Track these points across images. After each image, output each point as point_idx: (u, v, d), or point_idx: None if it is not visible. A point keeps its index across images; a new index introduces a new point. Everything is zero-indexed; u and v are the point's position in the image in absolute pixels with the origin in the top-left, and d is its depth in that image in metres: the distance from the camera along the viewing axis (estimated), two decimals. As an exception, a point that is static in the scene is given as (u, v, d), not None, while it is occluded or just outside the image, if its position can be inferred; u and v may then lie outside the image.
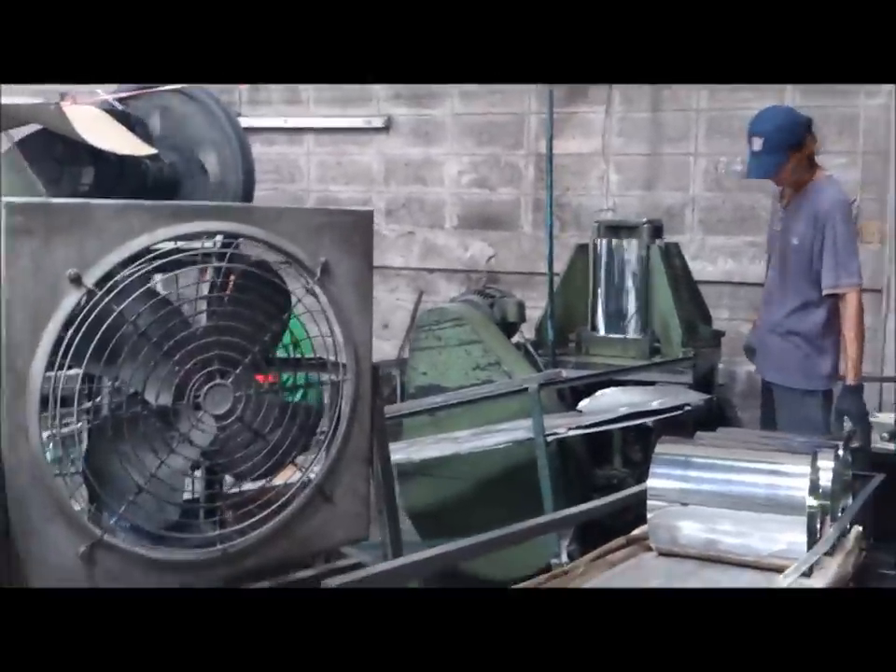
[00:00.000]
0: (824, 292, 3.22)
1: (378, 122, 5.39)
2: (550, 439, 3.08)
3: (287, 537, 1.97)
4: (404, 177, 5.49)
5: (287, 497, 1.98)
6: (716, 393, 4.04)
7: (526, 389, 3.08)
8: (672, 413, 3.00)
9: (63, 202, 1.65)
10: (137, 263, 1.69)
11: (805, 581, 2.06)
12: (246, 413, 1.86)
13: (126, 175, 2.23)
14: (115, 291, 1.66)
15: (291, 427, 1.94)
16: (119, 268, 1.68)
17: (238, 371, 1.83)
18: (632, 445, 3.69)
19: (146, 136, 2.37)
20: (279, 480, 2.01)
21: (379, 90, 5.41)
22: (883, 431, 3.61)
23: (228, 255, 1.80)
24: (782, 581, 1.81)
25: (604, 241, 3.83)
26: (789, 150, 3.15)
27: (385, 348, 5.39)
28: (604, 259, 3.82)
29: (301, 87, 5.59)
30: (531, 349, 3.79)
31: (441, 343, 3.63)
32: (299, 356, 1.98)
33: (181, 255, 1.75)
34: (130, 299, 1.68)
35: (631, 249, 3.76)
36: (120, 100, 2.56)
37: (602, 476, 3.70)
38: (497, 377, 3.55)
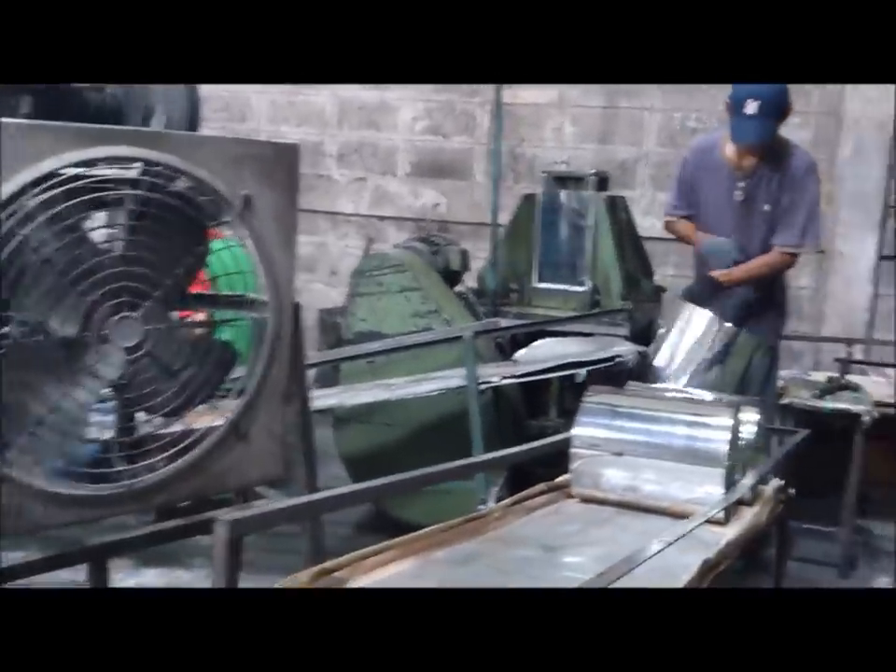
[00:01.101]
0: (782, 249, 3.25)
1: (332, 63, 5.27)
2: (482, 387, 3.08)
3: (200, 474, 1.94)
4: (357, 121, 5.39)
5: (200, 433, 1.95)
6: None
7: (461, 337, 3.07)
8: (603, 364, 3.01)
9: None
10: (42, 187, 1.63)
11: (718, 529, 2.10)
12: (157, 347, 1.82)
13: (66, 104, 2.14)
14: (17, 215, 1.61)
15: (205, 364, 1.91)
16: (28, 190, 1.62)
17: (148, 303, 1.79)
18: (568, 395, 3.71)
19: None
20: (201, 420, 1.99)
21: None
22: (815, 389, 3.67)
23: (140, 182, 1.75)
24: (686, 525, 1.83)
25: (549, 191, 3.80)
26: (781, 115, 3.14)
27: (332, 295, 5.34)
28: (548, 210, 3.79)
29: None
30: (472, 298, 3.77)
31: (382, 289, 3.60)
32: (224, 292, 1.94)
33: (89, 181, 1.69)
34: (34, 224, 1.62)
35: (576, 200, 3.73)
36: None
37: (537, 426, 3.71)
38: (437, 325, 3.53)
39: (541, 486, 2.49)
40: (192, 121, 2.60)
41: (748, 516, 2.26)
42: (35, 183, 1.62)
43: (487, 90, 5.06)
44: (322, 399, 3.38)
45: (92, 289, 1.72)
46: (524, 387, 3.63)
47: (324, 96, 5.40)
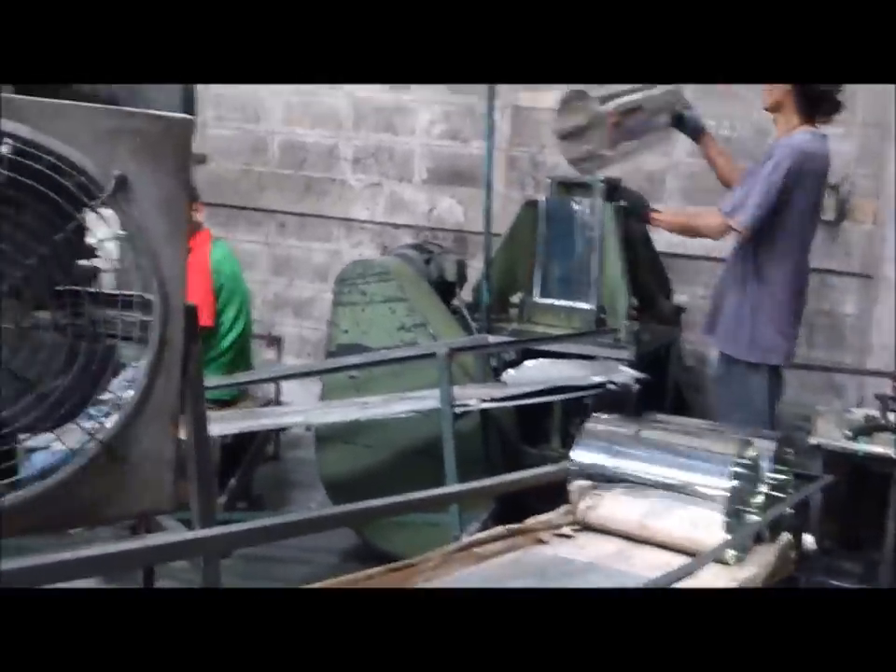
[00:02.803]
0: (717, 208, 2.99)
1: (348, 63, 5.02)
2: (458, 410, 2.75)
3: (69, 499, 1.66)
4: (374, 124, 5.12)
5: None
6: (673, 375, 3.69)
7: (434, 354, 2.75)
8: (592, 391, 2.66)
9: None
10: None
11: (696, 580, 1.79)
12: (9, 349, 1.55)
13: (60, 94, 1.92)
14: None
15: (72, 374, 1.63)
16: None
17: (-6, 297, 1.51)
18: (572, 423, 3.36)
19: None
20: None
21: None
22: (848, 428, 3.25)
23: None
24: (654, 581, 1.52)
25: (553, 198, 3.46)
26: None
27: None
28: (552, 219, 3.45)
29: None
30: (465, 313, 3.44)
31: (366, 298, 3.30)
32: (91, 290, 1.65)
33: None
34: None
35: (582, 208, 3.38)
36: None
37: (537, 455, 3.37)
38: (423, 339, 3.23)
39: (500, 529, 2.17)
40: (187, 111, 2.39)
41: (742, 575, 1.94)
42: None
43: (507, 92, 4.74)
44: (289, 415, 3.10)
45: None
46: (519, 412, 3.30)
47: (339, 97, 5.14)
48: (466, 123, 4.90)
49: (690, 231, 3.27)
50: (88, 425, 1.68)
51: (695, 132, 3.30)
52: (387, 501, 1.86)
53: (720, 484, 1.95)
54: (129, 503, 1.73)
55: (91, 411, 1.72)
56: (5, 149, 1.50)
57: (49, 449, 1.91)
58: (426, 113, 4.98)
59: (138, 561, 1.60)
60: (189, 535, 1.55)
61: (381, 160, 5.15)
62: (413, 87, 4.98)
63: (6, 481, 1.66)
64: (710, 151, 3.31)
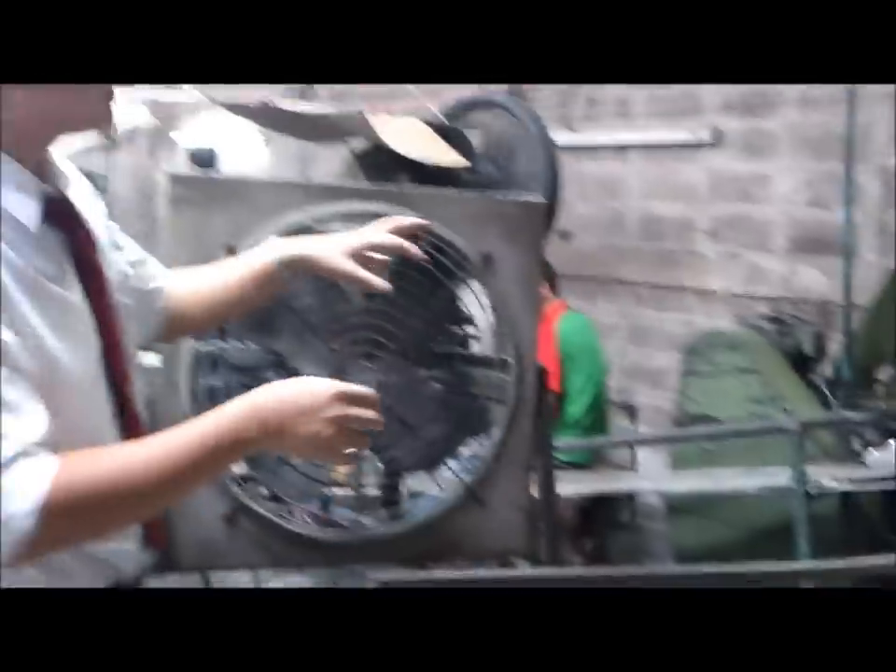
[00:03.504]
0: None
1: (706, 136, 5.08)
2: (813, 491, 2.64)
3: (433, 535, 1.90)
4: (731, 194, 5.10)
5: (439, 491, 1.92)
6: None
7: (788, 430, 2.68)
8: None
9: (222, 176, 1.74)
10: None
11: None
12: (394, 400, 1.83)
13: (442, 184, 2.26)
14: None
15: (445, 423, 1.88)
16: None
17: (386, 355, 1.81)
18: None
19: (464, 148, 2.44)
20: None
21: (708, 100, 5.10)
22: None
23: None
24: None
25: (930, 266, 3.22)
26: None
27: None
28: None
29: (632, 100, 5.45)
30: (824, 388, 3.29)
31: (715, 369, 3.30)
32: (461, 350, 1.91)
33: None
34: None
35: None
36: (447, 114, 2.71)
37: (909, 547, 3.10)
38: (776, 414, 3.14)
39: None
40: (553, 194, 2.65)
41: None
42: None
43: (877, 155, 4.49)
44: (639, 481, 3.18)
45: (334, 337, 1.79)
46: (886, 498, 3.06)
47: (695, 170, 5.21)
48: (829, 189, 4.71)
49: None
50: (456, 468, 1.93)
51: None
52: (733, 569, 1.84)
53: None
54: (487, 544, 1.93)
55: (459, 457, 1.97)
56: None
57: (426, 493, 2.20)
58: (786, 180, 4.87)
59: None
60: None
61: (738, 229, 5.10)
62: (771, 154, 4.90)
63: (390, 513, 1.96)
64: None
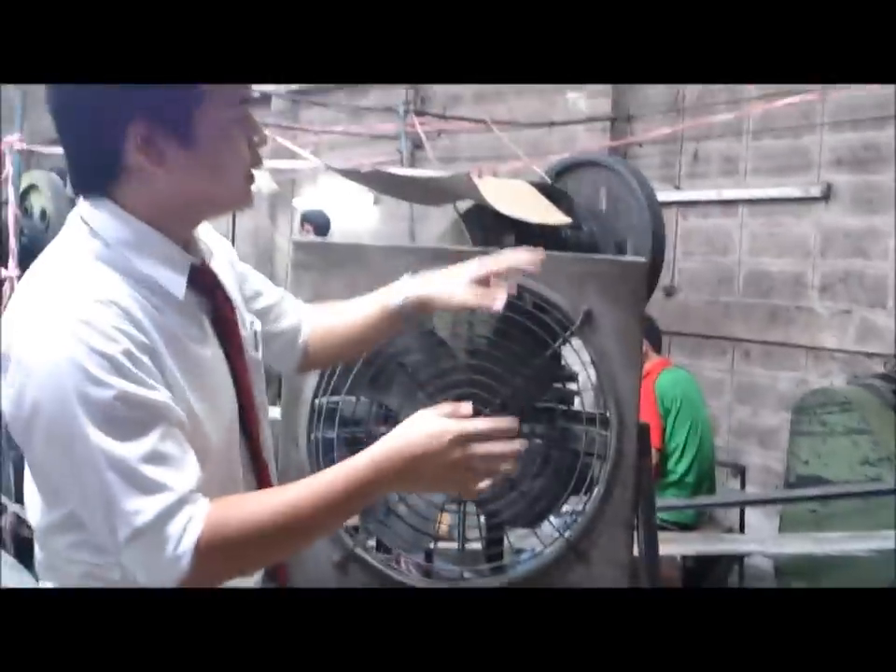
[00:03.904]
0: None
1: (816, 191, 5.01)
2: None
3: (536, 588, 1.93)
4: (842, 250, 5.00)
5: (540, 548, 1.96)
6: None
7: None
8: None
9: (339, 242, 1.86)
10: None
11: None
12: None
13: (546, 241, 2.34)
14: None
15: (547, 479, 1.92)
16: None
17: (488, 411, 1.87)
18: None
19: (568, 207, 2.52)
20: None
21: (819, 156, 5.04)
22: None
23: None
24: None
25: None
26: None
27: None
28: None
29: (740, 157, 5.44)
30: (942, 448, 3.17)
31: (826, 429, 3.23)
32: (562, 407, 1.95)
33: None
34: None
35: None
36: (552, 174, 2.81)
37: None
38: (889, 476, 3.05)
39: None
40: (657, 251, 2.71)
41: None
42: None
43: None
44: (745, 543, 3.12)
45: (440, 393, 1.87)
46: None
47: (805, 225, 5.12)
48: (947, 244, 4.57)
49: None
50: (558, 524, 1.96)
51: None
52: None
53: None
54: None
55: (560, 513, 2.00)
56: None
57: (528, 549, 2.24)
58: (901, 236, 4.75)
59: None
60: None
61: (850, 285, 4.99)
62: (884, 209, 4.79)
63: (493, 565, 2.00)
64: None
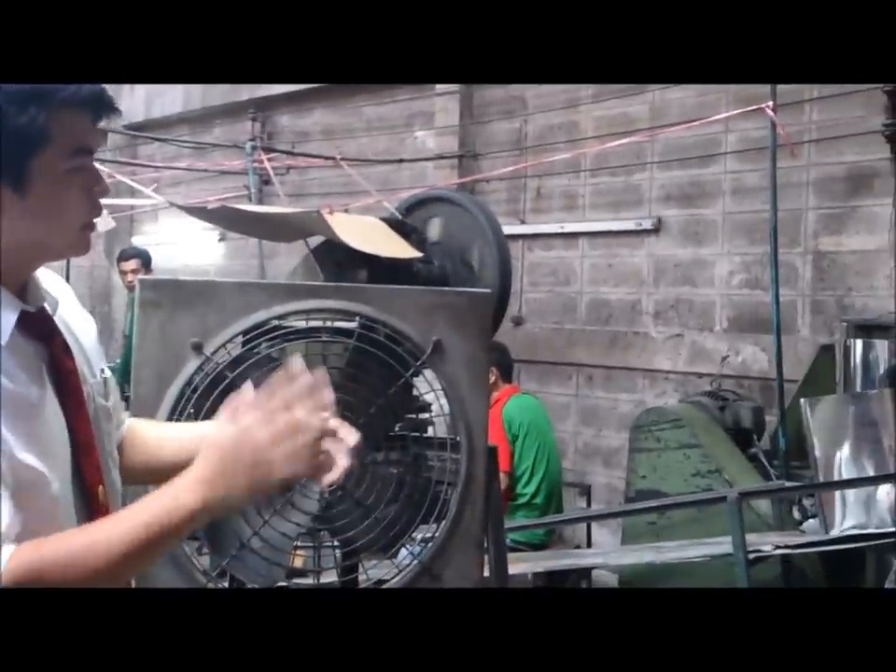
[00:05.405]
0: None
1: (648, 224, 5.36)
2: (752, 556, 2.78)
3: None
4: (673, 279, 5.37)
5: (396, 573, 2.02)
6: None
7: (726, 499, 2.83)
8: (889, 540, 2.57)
9: (189, 279, 1.88)
10: (253, 335, 1.88)
11: None
12: (350, 484, 1.94)
13: (398, 275, 2.33)
14: (229, 359, 1.86)
15: (402, 504, 1.99)
16: (238, 338, 1.88)
17: (342, 441, 1.93)
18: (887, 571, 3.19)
19: (419, 241, 2.58)
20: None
21: (650, 192, 5.40)
22: None
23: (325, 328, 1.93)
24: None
25: (854, 341, 3.44)
26: None
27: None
28: (853, 363, 3.42)
29: (579, 193, 5.74)
30: (763, 460, 3.46)
31: (660, 445, 3.46)
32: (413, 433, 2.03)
33: (293, 329, 1.91)
34: (243, 366, 1.86)
35: (881, 352, 3.33)
36: (401, 209, 2.88)
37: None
38: (718, 486, 3.30)
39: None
40: (503, 285, 2.81)
41: None
42: (246, 332, 1.88)
43: (807, 239, 4.79)
44: (589, 557, 3.28)
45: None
46: (830, 563, 3.21)
47: (639, 257, 5.47)
48: (766, 272, 4.98)
49: None
50: (412, 547, 2.03)
51: None
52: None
53: None
54: (441, 617, 2.03)
55: (414, 539, 2.07)
56: (354, 325, 1.95)
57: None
58: (724, 264, 5.14)
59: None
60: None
61: (681, 311, 5.35)
62: (709, 241, 5.18)
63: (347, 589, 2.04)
64: None
